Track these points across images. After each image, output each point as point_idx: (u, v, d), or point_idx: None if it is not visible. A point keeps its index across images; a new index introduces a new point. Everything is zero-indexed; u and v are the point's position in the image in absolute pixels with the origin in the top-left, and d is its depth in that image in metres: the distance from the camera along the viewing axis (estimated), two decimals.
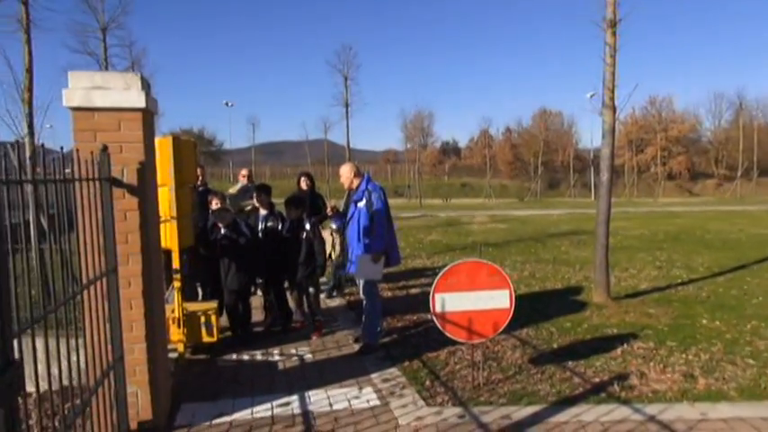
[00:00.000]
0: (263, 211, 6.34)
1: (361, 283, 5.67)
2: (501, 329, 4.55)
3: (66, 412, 2.70)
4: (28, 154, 8.02)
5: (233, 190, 8.28)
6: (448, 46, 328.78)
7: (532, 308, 6.91)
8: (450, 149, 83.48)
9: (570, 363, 5.00)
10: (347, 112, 24.79)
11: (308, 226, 5.95)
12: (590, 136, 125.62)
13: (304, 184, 8.00)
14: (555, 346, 5.55)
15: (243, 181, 8.45)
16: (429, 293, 4.42)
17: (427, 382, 4.60)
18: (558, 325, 6.23)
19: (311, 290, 6.13)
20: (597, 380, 4.62)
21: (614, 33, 7.09)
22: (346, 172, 5.64)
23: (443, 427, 3.80)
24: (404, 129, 58.07)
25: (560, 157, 61.84)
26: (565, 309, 6.93)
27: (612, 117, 7.11)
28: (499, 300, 4.39)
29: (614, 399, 4.21)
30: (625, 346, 5.44)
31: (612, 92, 7.04)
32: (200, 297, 6.54)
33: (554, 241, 13.99)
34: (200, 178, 7.36)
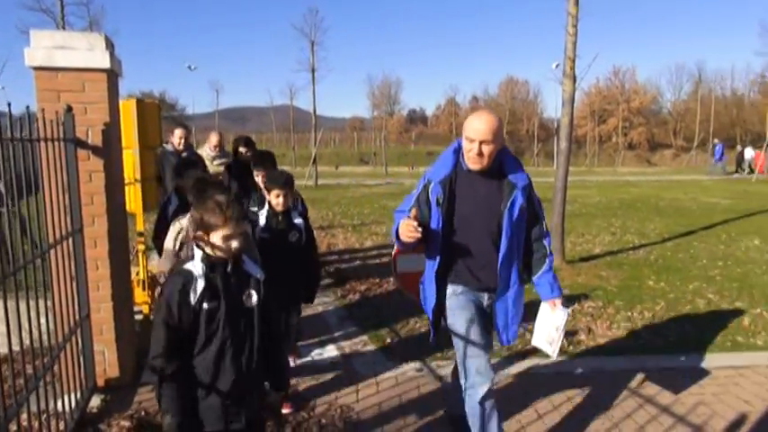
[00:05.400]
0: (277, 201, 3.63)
1: None
2: None
3: (34, 371, 2.79)
4: None
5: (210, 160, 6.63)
6: (415, 13, 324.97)
7: None
8: (416, 117, 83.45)
9: (524, 322, 5.26)
10: (313, 78, 24.44)
11: (298, 220, 3.76)
12: (555, 105, 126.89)
13: (245, 155, 5.81)
14: None
15: (211, 152, 6.85)
16: (391, 256, 4.59)
17: (388, 340, 4.81)
18: None
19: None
20: None
21: (576, 3, 7.24)
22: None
23: (402, 379, 4.02)
24: (371, 96, 57.80)
25: (525, 126, 62.56)
26: None
27: (572, 86, 7.31)
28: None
29: (563, 352, 4.50)
30: (576, 305, 5.75)
31: (573, 61, 7.22)
32: None
33: None
34: (182, 140, 6.56)
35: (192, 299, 2.12)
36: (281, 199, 3.59)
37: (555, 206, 7.57)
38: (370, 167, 44.62)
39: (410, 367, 4.24)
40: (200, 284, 2.12)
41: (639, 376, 4.03)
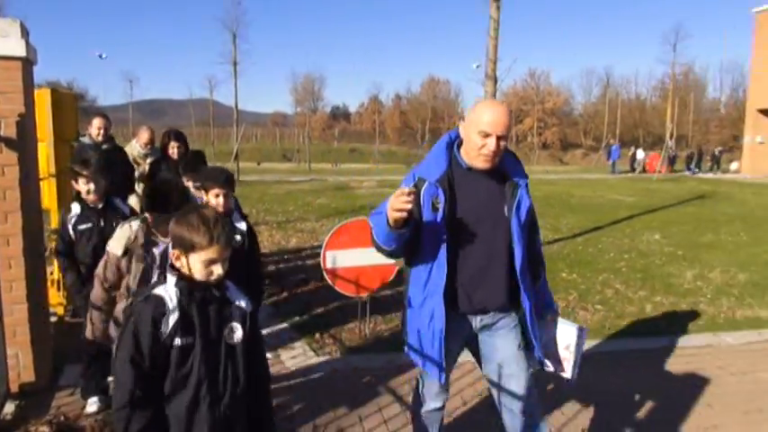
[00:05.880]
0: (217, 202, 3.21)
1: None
2: (387, 282, 4.88)
3: None
4: None
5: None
6: (340, 10, 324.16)
7: None
8: (340, 114, 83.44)
9: None
10: (235, 71, 23.93)
11: (241, 224, 3.38)
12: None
13: (175, 152, 5.31)
14: None
15: (141, 149, 6.08)
16: (320, 253, 4.63)
17: (317, 335, 4.86)
18: None
19: None
20: None
21: (498, 7, 7.56)
22: None
23: (330, 373, 4.09)
24: (294, 92, 57.14)
25: (447, 124, 64.03)
26: None
27: (494, 87, 7.64)
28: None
29: None
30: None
31: (495, 63, 7.54)
32: None
33: None
34: (101, 131, 5.47)
35: (164, 332, 1.76)
36: (221, 199, 3.11)
37: None
38: (293, 164, 44.19)
39: (338, 360, 4.31)
40: (174, 315, 1.77)
41: None
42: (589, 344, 4.75)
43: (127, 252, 2.84)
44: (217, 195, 3.12)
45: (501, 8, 7.59)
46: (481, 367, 2.61)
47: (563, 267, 7.53)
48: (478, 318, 2.46)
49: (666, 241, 9.60)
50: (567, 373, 2.56)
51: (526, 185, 2.42)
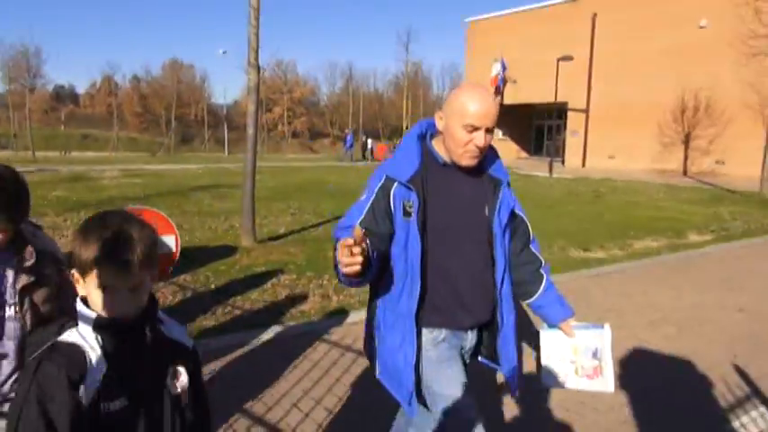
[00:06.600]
0: None
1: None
2: (168, 273, 4.72)
3: None
4: None
5: None
6: None
7: (184, 256, 7.13)
8: (65, 95, 73.63)
9: (230, 299, 5.51)
10: None
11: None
12: (223, 92, 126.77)
13: None
14: (213, 287, 5.96)
15: None
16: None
17: None
18: (214, 269, 6.66)
19: None
20: (255, 309, 5.26)
21: None
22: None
23: None
24: (4, 66, 48.42)
25: (194, 111, 61.32)
26: (217, 255, 7.39)
27: (257, 75, 7.74)
28: (167, 245, 4.54)
29: (276, 323, 4.91)
30: (274, 279, 6.24)
31: (257, 52, 7.63)
32: None
33: (196, 195, 14.22)
34: None
35: (84, 397, 1.25)
36: None
37: (246, 190, 7.93)
38: (9, 151, 37.80)
39: None
40: (97, 370, 1.28)
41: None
42: (361, 313, 5.27)
43: None
44: None
45: None
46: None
47: (330, 248, 7.98)
48: (470, 335, 2.16)
49: None
50: (610, 384, 2.14)
51: (508, 182, 2.15)
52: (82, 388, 1.25)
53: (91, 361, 1.27)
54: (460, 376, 2.04)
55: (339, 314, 5.23)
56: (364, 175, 23.32)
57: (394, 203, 1.99)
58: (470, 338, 2.16)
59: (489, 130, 1.96)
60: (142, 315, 1.34)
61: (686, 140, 26.51)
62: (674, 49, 25.91)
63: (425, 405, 2.05)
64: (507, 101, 33.24)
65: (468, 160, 2.00)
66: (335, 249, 1.81)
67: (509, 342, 2.14)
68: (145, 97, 63.07)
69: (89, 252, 1.27)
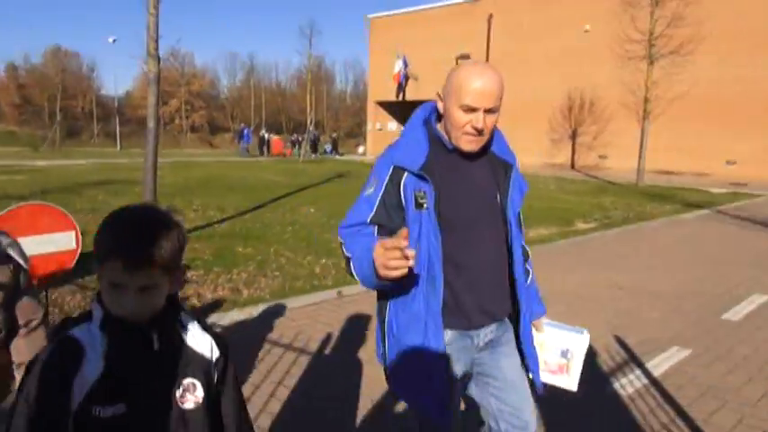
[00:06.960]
0: None
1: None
2: (69, 269, 4.52)
3: None
4: None
5: None
6: None
7: (82, 254, 6.80)
8: None
9: None
10: None
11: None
12: (113, 82, 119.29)
13: None
14: None
15: None
16: None
17: None
18: None
19: None
20: None
21: None
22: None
23: None
24: None
25: (81, 103, 57.36)
26: None
27: (157, 66, 7.49)
28: (65, 242, 4.35)
29: None
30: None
31: (156, 42, 7.38)
32: None
33: (88, 191, 13.44)
34: None
35: (78, 395, 1.19)
36: None
37: (147, 185, 7.66)
38: None
39: None
40: (95, 368, 1.20)
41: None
42: (268, 305, 5.31)
43: None
44: None
45: None
46: (469, 392, 2.07)
47: (237, 243, 7.98)
48: (482, 332, 1.95)
49: (321, 213, 10.97)
50: (573, 383, 2.15)
51: (517, 165, 2.03)
52: (76, 385, 1.19)
53: (87, 359, 1.20)
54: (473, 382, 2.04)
55: (249, 305, 5.24)
56: (270, 169, 22.96)
57: (405, 195, 1.81)
58: (483, 336, 1.96)
59: (491, 111, 1.79)
60: (153, 318, 1.25)
61: (573, 136, 28.49)
62: (561, 51, 27.74)
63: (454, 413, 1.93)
64: (409, 97, 34.02)
65: (466, 144, 1.84)
66: (343, 249, 1.79)
67: (529, 336, 2.03)
68: (24, 87, 58.06)
69: (100, 245, 1.21)
